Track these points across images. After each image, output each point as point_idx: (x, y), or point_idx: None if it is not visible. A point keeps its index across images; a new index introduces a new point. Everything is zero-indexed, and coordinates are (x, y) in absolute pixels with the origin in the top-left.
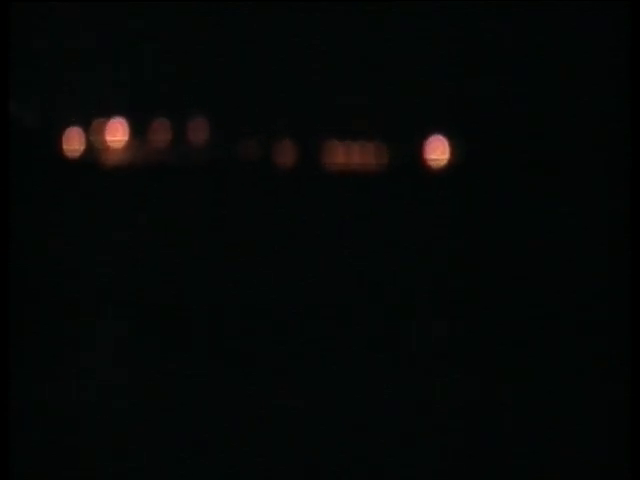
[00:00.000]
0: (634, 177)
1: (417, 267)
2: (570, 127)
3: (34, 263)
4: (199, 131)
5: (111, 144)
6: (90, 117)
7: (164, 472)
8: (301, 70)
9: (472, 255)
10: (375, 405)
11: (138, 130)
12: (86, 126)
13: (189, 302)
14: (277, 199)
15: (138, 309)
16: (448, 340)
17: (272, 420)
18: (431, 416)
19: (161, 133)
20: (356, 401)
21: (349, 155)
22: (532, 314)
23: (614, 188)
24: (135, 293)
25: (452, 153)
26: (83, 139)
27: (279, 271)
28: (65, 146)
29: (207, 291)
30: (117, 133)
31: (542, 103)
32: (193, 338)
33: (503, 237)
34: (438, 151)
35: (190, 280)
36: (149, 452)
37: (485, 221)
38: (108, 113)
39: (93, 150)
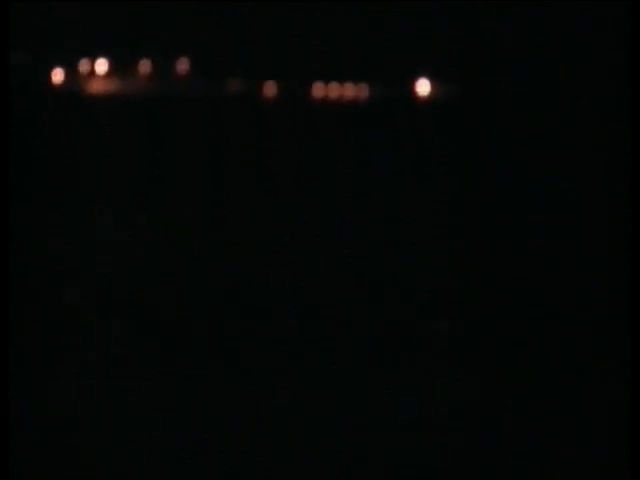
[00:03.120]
0: (634, 177)
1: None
2: (570, 127)
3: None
4: (184, 69)
5: (98, 77)
6: (79, 57)
7: (164, 472)
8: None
9: (471, 256)
10: (375, 405)
11: (124, 67)
12: (75, 65)
13: (188, 299)
14: (263, 134)
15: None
16: (448, 340)
17: (272, 420)
18: (431, 416)
19: (146, 70)
20: (356, 401)
21: (335, 93)
22: (532, 314)
23: (614, 188)
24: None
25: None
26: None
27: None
28: (55, 80)
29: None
30: (103, 69)
31: (542, 103)
32: (193, 338)
33: (503, 238)
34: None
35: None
36: (149, 452)
37: (485, 222)
38: (95, 53)
39: (81, 82)
